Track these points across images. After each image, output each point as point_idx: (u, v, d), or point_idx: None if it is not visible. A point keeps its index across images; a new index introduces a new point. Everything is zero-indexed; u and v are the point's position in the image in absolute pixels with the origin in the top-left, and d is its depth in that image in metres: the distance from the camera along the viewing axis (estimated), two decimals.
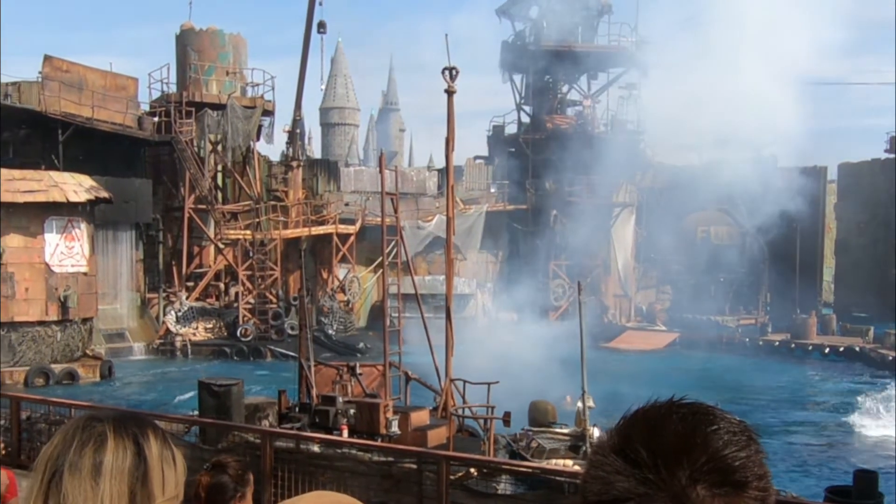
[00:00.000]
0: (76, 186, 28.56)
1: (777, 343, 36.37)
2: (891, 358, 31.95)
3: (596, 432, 13.81)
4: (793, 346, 35.74)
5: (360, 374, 18.74)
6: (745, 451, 1.00)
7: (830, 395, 27.29)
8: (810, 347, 35.04)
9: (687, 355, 36.07)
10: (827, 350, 34.34)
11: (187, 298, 36.68)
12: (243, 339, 35.02)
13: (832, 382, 29.66)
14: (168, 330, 35.38)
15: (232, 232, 36.98)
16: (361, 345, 34.42)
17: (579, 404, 14.29)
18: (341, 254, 39.18)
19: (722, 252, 40.96)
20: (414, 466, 10.53)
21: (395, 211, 17.11)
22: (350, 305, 38.76)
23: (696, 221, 43.20)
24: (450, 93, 16.94)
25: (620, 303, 44.41)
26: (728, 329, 39.15)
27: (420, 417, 15.40)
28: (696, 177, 46.36)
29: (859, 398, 26.56)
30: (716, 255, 40.75)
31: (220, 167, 39.82)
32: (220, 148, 38.53)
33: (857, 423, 23.44)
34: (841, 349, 34.14)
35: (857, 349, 33.72)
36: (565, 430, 14.79)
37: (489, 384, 15.87)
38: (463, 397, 16.49)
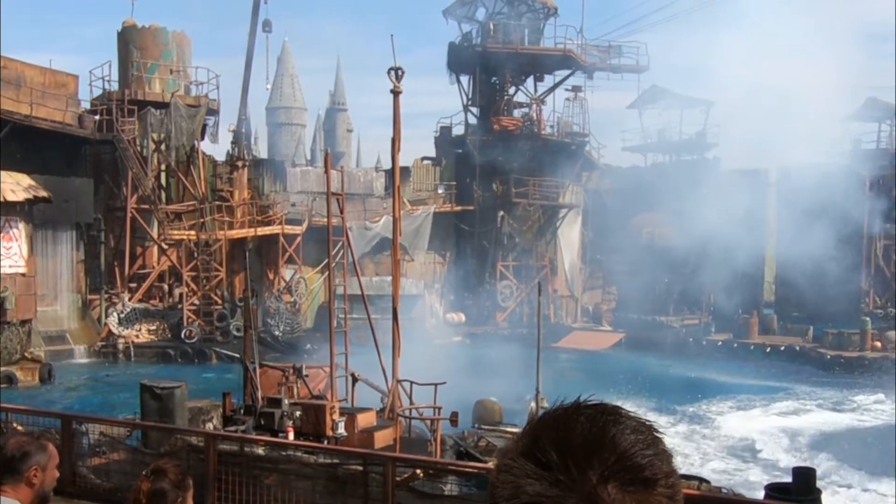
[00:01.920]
0: (13, 186, 27.92)
1: (720, 343, 36.97)
2: (829, 357, 32.65)
3: None
4: (735, 345, 36.33)
5: (307, 376, 18.57)
6: (651, 449, 1.01)
7: (769, 394, 27.75)
8: (752, 347, 35.66)
9: (632, 355, 36.50)
10: (768, 349, 34.97)
11: (130, 300, 36.06)
12: (188, 340, 34.54)
13: (772, 382, 30.18)
14: (110, 332, 34.74)
15: (176, 232, 36.46)
16: (308, 346, 34.16)
17: (532, 404, 14.35)
18: (288, 254, 38.86)
19: (667, 253, 41.46)
20: (360, 468, 10.46)
21: (342, 212, 16.99)
22: (297, 306, 38.46)
23: (641, 223, 43.73)
24: (396, 93, 16.87)
25: (567, 303, 44.76)
26: (672, 329, 39.67)
27: (367, 419, 15.33)
28: (642, 178, 47.03)
29: (798, 397, 27.20)
30: (661, 256, 41.24)
31: (163, 166, 39.22)
32: (163, 147, 37.95)
33: (794, 422, 23.93)
34: (782, 348, 34.80)
35: (798, 348, 34.39)
36: (517, 430, 14.84)
37: (436, 385, 15.86)
38: (410, 398, 16.44)
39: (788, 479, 10.81)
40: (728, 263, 38.64)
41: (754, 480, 16.84)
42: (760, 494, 10.81)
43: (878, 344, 33.07)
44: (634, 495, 0.97)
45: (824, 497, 10.84)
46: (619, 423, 1.03)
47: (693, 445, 20.75)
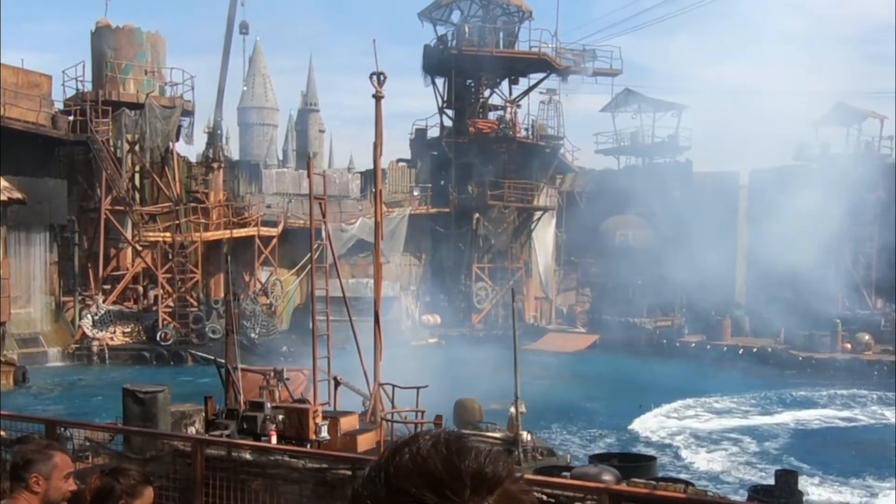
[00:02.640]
0: None
1: (693, 344, 37.34)
2: (801, 358, 33.14)
3: (527, 437, 14.01)
4: (708, 346, 36.72)
5: (287, 379, 18.59)
6: (502, 460, 1.15)
7: (742, 395, 28.11)
8: (725, 348, 36.06)
9: (606, 357, 36.79)
10: (741, 351, 35.38)
11: (104, 302, 35.83)
12: (163, 343, 34.37)
13: (744, 382, 30.56)
14: (84, 334, 34.49)
15: (151, 234, 36.27)
16: (285, 348, 34.12)
17: (512, 409, 14.47)
18: (263, 256, 38.79)
19: (640, 255, 41.84)
20: (348, 472, 10.54)
21: (324, 216, 17.03)
22: (272, 308, 38.40)
23: (614, 225, 44.11)
24: (378, 98, 16.96)
25: (541, 305, 45.03)
26: (646, 331, 40.03)
27: (349, 422, 15.40)
28: (615, 181, 47.44)
29: (771, 399, 27.58)
30: (634, 258, 41.61)
31: (137, 168, 38.99)
32: (137, 148, 37.72)
33: (769, 423, 24.28)
34: (754, 350, 35.23)
35: (770, 350, 34.85)
36: (497, 434, 14.95)
37: (418, 388, 15.94)
38: (392, 402, 16.54)
39: (771, 480, 11.05)
40: (700, 265, 39.07)
41: (729, 481, 17.12)
42: (744, 496, 11.03)
43: (849, 346, 33.62)
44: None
45: (806, 499, 11.09)
46: (472, 448, 1.15)
47: (671, 446, 20.99)
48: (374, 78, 16.28)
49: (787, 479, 10.69)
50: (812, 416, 25.05)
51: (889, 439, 21.72)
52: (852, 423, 23.78)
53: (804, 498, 10.83)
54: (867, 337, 34.42)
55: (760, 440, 21.79)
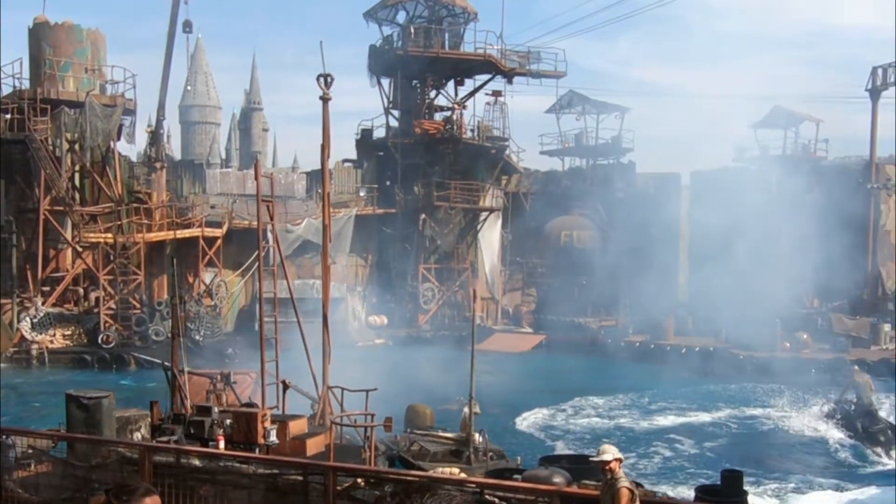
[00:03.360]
0: None
1: (637, 344, 37.80)
2: (741, 357, 33.78)
3: (479, 438, 14.08)
4: (652, 346, 37.21)
5: (234, 383, 18.43)
6: None
7: (684, 394, 28.57)
8: (668, 348, 36.55)
9: (552, 357, 37.10)
10: (684, 350, 35.90)
11: (43, 304, 35.06)
12: (105, 346, 33.76)
13: (686, 381, 31.07)
14: (23, 337, 33.72)
15: (91, 234, 35.58)
16: (230, 350, 33.76)
17: (465, 410, 14.53)
18: (207, 257, 38.33)
19: (585, 255, 42.27)
20: (299, 478, 10.49)
21: (272, 218, 16.93)
22: (217, 310, 37.96)
23: (559, 225, 44.51)
24: (325, 100, 16.89)
25: (488, 305, 45.23)
26: (591, 330, 40.46)
27: (298, 426, 15.30)
28: (560, 182, 47.91)
29: (713, 397, 28.08)
30: (579, 259, 42.04)
31: (77, 167, 38.25)
32: (77, 147, 37.01)
33: (711, 421, 24.72)
34: (696, 349, 35.80)
35: (711, 349, 35.44)
36: (449, 434, 15.00)
37: (367, 391, 15.90)
38: (341, 405, 16.48)
39: (717, 480, 11.26)
40: (644, 265, 39.61)
41: (677, 481, 17.40)
42: (691, 496, 11.23)
43: (787, 345, 34.37)
44: None
45: (751, 498, 11.33)
46: None
47: (617, 446, 21.22)
48: (322, 80, 16.21)
49: (732, 478, 10.92)
50: (752, 415, 25.56)
51: (830, 438, 22.30)
52: (790, 421, 24.29)
53: (748, 497, 11.06)
54: (805, 336, 35.24)
55: (704, 439, 22.15)
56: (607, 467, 7.86)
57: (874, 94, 46.95)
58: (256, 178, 15.61)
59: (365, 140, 45.47)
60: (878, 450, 21.23)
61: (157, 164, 39.48)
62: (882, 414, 23.15)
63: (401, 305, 42.93)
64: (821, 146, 46.91)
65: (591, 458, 8.34)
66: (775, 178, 42.87)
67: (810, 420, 23.80)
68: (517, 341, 40.16)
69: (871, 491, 17.23)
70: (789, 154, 46.68)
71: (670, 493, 11.82)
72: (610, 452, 7.93)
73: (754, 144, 48.11)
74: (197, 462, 11.38)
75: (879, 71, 46.81)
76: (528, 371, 33.70)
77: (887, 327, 36.57)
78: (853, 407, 23.05)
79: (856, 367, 27.18)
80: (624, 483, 7.82)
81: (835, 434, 22.34)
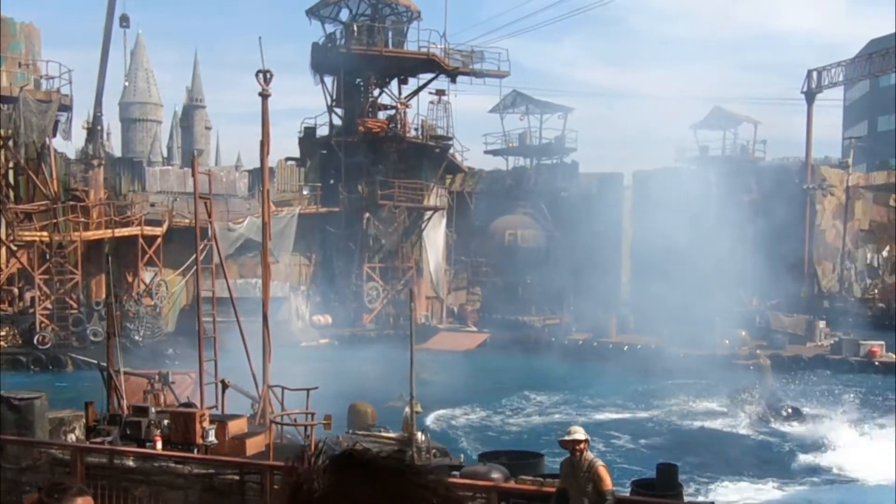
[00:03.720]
0: None
1: (580, 342, 38.08)
2: (682, 355, 34.23)
3: (421, 437, 14.05)
4: (595, 344, 37.53)
5: (173, 383, 18.16)
6: None
7: (624, 391, 28.88)
8: (611, 346, 36.93)
9: (496, 355, 37.21)
10: (626, 348, 36.33)
11: None
12: (41, 346, 32.99)
13: (628, 379, 31.42)
14: None
15: (26, 233, 34.76)
16: (171, 350, 33.25)
17: (407, 409, 14.48)
18: (147, 256, 37.70)
19: (529, 254, 42.52)
20: (236, 477, 10.38)
21: (210, 216, 16.71)
22: (157, 310, 37.35)
23: (503, 225, 44.70)
24: (264, 96, 16.74)
25: (433, 304, 45.24)
26: (535, 329, 40.68)
27: (238, 426, 15.15)
28: (504, 182, 48.14)
29: (652, 394, 28.42)
30: (523, 258, 42.27)
31: (11, 164, 37.33)
32: (11, 143, 36.13)
33: (648, 417, 25.03)
34: (638, 347, 36.22)
35: (653, 347, 35.87)
36: (391, 434, 14.95)
37: (308, 390, 15.79)
38: (282, 404, 16.33)
39: (652, 474, 11.39)
40: (588, 264, 40.00)
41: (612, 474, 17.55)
42: (627, 490, 11.34)
43: (727, 342, 34.96)
44: None
45: (685, 492, 11.48)
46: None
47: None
48: (261, 76, 16.07)
49: (667, 472, 11.05)
50: (689, 410, 25.95)
51: (768, 431, 22.75)
52: (725, 416, 24.74)
53: (683, 490, 11.21)
54: (744, 333, 35.89)
55: (641, 435, 22.42)
56: (578, 447, 7.87)
57: (809, 96, 48.03)
58: (194, 175, 15.39)
59: (308, 138, 45.14)
60: (786, 423, 22.99)
61: (95, 161, 38.72)
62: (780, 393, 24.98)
63: (345, 305, 42.70)
64: (759, 147, 47.90)
65: (561, 440, 8.32)
66: (714, 178, 43.59)
67: (742, 412, 24.34)
68: (462, 340, 40.22)
69: (799, 488, 17.65)
70: (728, 155, 47.53)
71: None
72: (581, 432, 7.95)
73: (695, 145, 48.95)
74: (131, 463, 11.20)
75: (814, 74, 47.90)
76: (472, 369, 33.76)
77: (822, 324, 37.42)
78: (756, 387, 24.93)
79: (759, 352, 28.11)
80: (599, 461, 7.88)
81: (759, 423, 23.27)
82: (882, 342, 33.48)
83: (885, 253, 50.74)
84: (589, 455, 7.92)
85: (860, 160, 60.96)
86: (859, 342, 33.62)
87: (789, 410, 23.41)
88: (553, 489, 8.89)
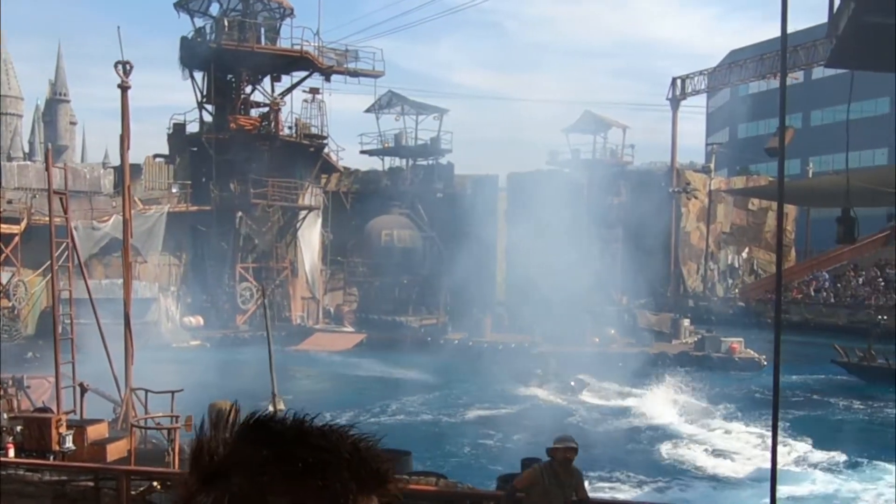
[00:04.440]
0: None
1: (456, 342, 38.34)
2: (554, 352, 34.87)
3: None
4: (470, 343, 37.85)
5: (28, 387, 17.42)
6: None
7: (496, 389, 29.25)
8: (486, 345, 37.34)
9: (372, 355, 37.07)
10: (500, 347, 36.79)
11: None
12: None
13: (500, 377, 31.81)
14: None
15: None
16: (30, 354, 31.67)
17: (269, 407, 14.18)
18: (4, 256, 35.83)
19: (405, 255, 42.55)
20: (91, 484, 9.92)
21: (65, 211, 15.98)
22: (16, 312, 35.55)
23: (380, 225, 44.55)
24: (124, 88, 16.18)
25: (308, 305, 44.68)
26: (411, 329, 40.73)
27: (98, 431, 14.56)
28: (380, 182, 48.04)
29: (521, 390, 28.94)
30: (400, 258, 42.27)
31: None
32: None
33: (517, 413, 25.42)
34: (512, 346, 36.73)
35: (526, 345, 36.44)
36: None
37: (173, 392, 15.30)
38: (145, 407, 15.77)
39: (518, 469, 11.49)
40: (463, 264, 40.30)
41: (479, 471, 17.71)
42: (492, 486, 11.41)
43: (597, 339, 35.84)
44: None
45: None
46: None
47: (426, 440, 21.44)
48: (120, 67, 15.49)
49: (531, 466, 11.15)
50: (557, 404, 26.55)
51: (626, 425, 23.45)
52: (592, 409, 25.45)
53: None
54: (613, 331, 36.88)
55: (509, 431, 22.69)
56: (568, 456, 7.80)
57: (674, 103, 49.88)
58: (47, 169, 14.68)
59: (178, 135, 43.80)
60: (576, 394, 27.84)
61: None
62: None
63: (217, 306, 41.68)
64: (627, 152, 49.39)
65: (554, 448, 8.03)
66: (586, 181, 44.71)
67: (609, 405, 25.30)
68: (337, 340, 39.90)
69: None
70: (599, 158, 48.82)
71: (471, 484, 11.99)
72: (573, 440, 7.92)
73: (567, 148, 50.06)
74: None
75: (679, 82, 49.75)
76: (347, 369, 33.61)
77: (687, 322, 38.81)
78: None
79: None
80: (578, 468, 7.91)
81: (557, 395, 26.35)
82: (741, 339, 34.97)
83: (744, 254, 53.25)
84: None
85: (722, 165, 63.80)
86: (721, 339, 35.00)
87: (573, 383, 28.27)
88: (420, 487, 8.84)
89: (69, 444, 13.50)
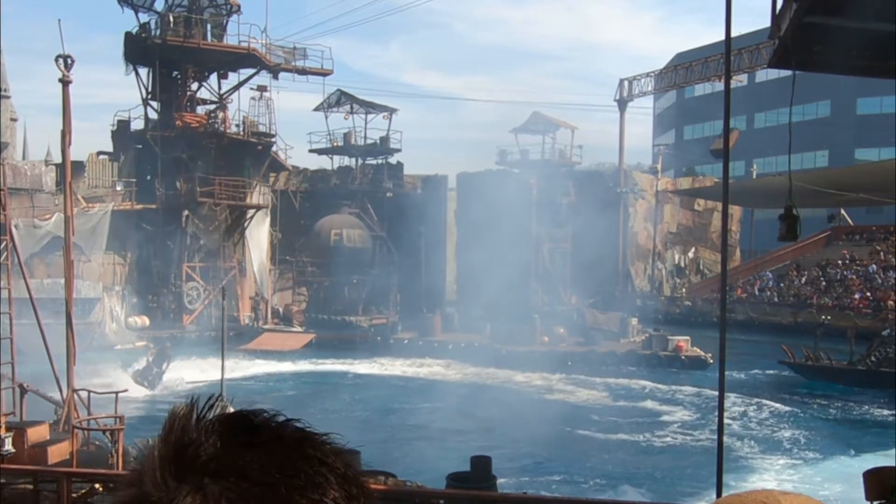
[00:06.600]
0: None
1: (406, 341, 38.33)
2: (504, 351, 35.08)
3: None
4: (420, 342, 37.87)
5: None
6: None
7: (445, 387, 29.31)
8: (436, 344, 37.40)
9: (321, 355, 36.92)
10: (451, 346, 36.87)
11: None
12: None
13: (450, 376, 31.89)
14: None
15: None
16: None
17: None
18: None
19: (355, 254, 42.37)
20: (30, 487, 9.69)
21: (4, 209, 15.61)
22: None
23: (329, 224, 44.29)
24: (64, 83, 15.85)
25: (257, 305, 44.24)
26: (361, 328, 40.60)
27: (38, 433, 14.25)
28: (329, 181, 47.77)
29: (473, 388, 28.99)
30: (349, 258, 42.07)
31: None
32: None
33: (467, 411, 25.49)
34: (462, 345, 36.83)
35: (477, 344, 36.57)
36: None
37: (116, 393, 15.08)
38: (88, 409, 15.47)
39: (467, 466, 11.50)
40: (413, 264, 40.32)
41: (427, 469, 17.71)
42: (442, 484, 11.40)
43: (546, 339, 36.08)
44: None
45: (499, 482, 11.66)
46: None
47: (375, 439, 21.39)
48: (61, 61, 15.18)
49: (481, 464, 11.19)
50: (507, 402, 26.66)
51: (579, 419, 23.65)
52: (540, 405, 25.63)
53: (497, 481, 11.38)
54: (562, 330, 37.16)
55: (457, 429, 22.78)
56: None
57: (622, 104, 50.39)
58: None
59: (122, 132, 43.03)
60: None
61: None
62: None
63: (163, 306, 41.06)
64: (576, 152, 49.74)
65: None
66: (535, 181, 44.95)
67: (568, 400, 25.43)
68: (286, 340, 39.61)
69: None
70: (547, 159, 49.11)
71: (420, 482, 11.98)
72: None
73: (516, 149, 50.27)
74: None
75: (626, 83, 50.27)
76: (294, 370, 33.44)
77: (634, 321, 39.25)
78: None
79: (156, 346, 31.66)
80: None
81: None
82: (688, 337, 35.48)
83: (690, 254, 54.02)
84: None
85: (668, 166, 64.63)
86: (668, 338, 35.46)
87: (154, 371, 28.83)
88: (381, 487, 8.79)
89: (8, 446, 13.18)
